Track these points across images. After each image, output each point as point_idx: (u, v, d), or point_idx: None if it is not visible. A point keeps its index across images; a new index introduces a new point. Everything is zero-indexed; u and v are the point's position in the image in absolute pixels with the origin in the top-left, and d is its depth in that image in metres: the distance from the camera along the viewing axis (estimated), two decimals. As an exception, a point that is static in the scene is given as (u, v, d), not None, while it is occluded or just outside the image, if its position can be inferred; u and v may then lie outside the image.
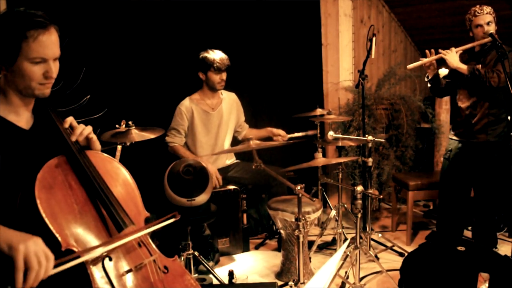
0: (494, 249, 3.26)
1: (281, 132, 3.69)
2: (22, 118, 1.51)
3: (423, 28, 5.01)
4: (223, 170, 3.59)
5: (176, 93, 3.65)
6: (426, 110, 4.36)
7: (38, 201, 1.31)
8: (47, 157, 1.44)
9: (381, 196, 4.07)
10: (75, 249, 1.32)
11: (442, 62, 3.10)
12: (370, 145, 3.06)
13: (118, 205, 1.47)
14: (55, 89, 1.53)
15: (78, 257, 1.28)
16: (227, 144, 3.62)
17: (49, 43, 1.41)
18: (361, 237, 2.80)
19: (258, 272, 3.26)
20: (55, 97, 1.56)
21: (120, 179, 1.59)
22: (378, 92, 4.50)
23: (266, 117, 4.33)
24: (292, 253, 3.05)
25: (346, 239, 3.48)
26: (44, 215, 1.31)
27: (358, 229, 2.75)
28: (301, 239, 2.35)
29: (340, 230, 3.36)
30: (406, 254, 3.18)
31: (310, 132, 3.87)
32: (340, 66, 4.53)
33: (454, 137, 3.26)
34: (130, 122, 2.82)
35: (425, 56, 3.11)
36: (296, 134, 3.76)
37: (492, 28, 2.95)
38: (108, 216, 1.44)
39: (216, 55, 3.38)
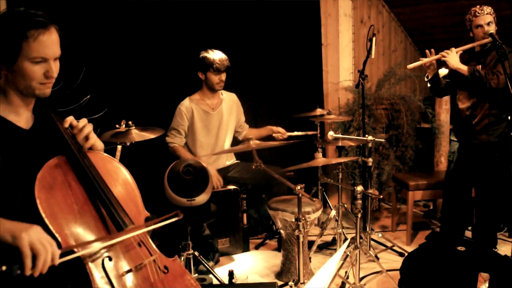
0: (494, 249, 3.26)
1: (280, 129, 3.70)
2: (22, 118, 1.51)
3: (423, 28, 5.01)
4: (223, 170, 3.59)
5: (176, 93, 3.65)
6: (426, 110, 4.36)
7: (38, 201, 1.31)
8: (47, 157, 1.44)
9: (381, 196, 4.07)
10: (74, 249, 1.31)
11: (442, 62, 3.10)
12: (370, 145, 3.06)
13: (118, 205, 1.47)
14: (55, 89, 1.53)
15: (81, 250, 1.29)
16: (227, 145, 3.62)
17: (49, 43, 1.41)
18: (361, 237, 2.80)
19: (258, 272, 3.26)
20: (55, 97, 1.56)
21: (120, 179, 1.59)
22: (378, 92, 4.50)
23: (266, 117, 4.33)
24: (292, 253, 3.05)
25: (346, 239, 3.47)
26: (44, 215, 1.31)
27: (358, 229, 2.75)
28: (301, 239, 2.35)
29: (340, 230, 3.36)
30: (406, 254, 3.18)
31: (310, 132, 3.87)
32: (340, 66, 4.53)
33: (456, 139, 3.27)
34: (130, 122, 2.82)
35: (425, 56, 3.11)
36: (296, 133, 3.77)
37: (492, 29, 2.95)
38: (108, 216, 1.44)
39: (216, 56, 3.38)
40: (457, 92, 3.26)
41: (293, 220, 2.86)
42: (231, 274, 2.74)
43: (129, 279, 1.40)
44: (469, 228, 3.63)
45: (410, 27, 5.12)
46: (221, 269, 3.23)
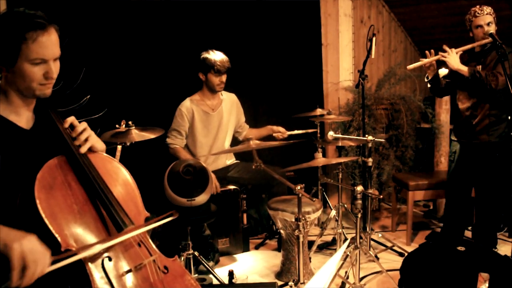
0: (494, 249, 3.26)
1: (281, 129, 3.70)
2: (23, 118, 1.51)
3: (423, 28, 5.01)
4: (223, 170, 3.59)
5: (176, 93, 3.65)
6: (426, 110, 4.36)
7: (37, 201, 1.31)
8: (47, 157, 1.44)
9: (381, 196, 4.06)
10: (74, 249, 1.31)
11: (442, 62, 3.10)
12: (370, 145, 3.06)
13: (118, 205, 1.47)
14: (55, 89, 1.53)
15: (75, 254, 1.28)
16: (227, 145, 3.62)
17: (48, 44, 1.41)
18: (361, 237, 2.80)
19: (258, 272, 3.26)
20: (55, 97, 1.56)
21: (120, 179, 1.59)
22: (378, 92, 4.50)
23: (266, 117, 4.33)
24: (292, 253, 3.05)
25: (346, 239, 3.47)
26: (43, 215, 1.31)
27: (358, 229, 2.74)
28: (301, 239, 2.35)
29: (340, 230, 3.35)
30: (406, 254, 3.18)
31: (310, 130, 3.87)
32: (340, 66, 4.53)
33: (456, 139, 3.27)
34: (130, 122, 2.82)
35: (425, 57, 3.11)
36: (296, 131, 3.76)
37: (492, 29, 2.95)
38: (108, 216, 1.44)
39: (217, 57, 3.37)
40: (457, 92, 3.26)
41: (293, 220, 2.86)
42: (231, 274, 2.74)
43: (129, 279, 1.40)
44: (469, 228, 3.63)
45: (410, 27, 5.12)
46: (221, 269, 3.23)
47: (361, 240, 2.79)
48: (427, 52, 3.11)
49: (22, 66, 1.40)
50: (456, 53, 3.01)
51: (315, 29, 4.51)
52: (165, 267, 1.50)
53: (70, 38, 1.71)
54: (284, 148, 3.68)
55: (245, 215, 3.56)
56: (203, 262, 2.93)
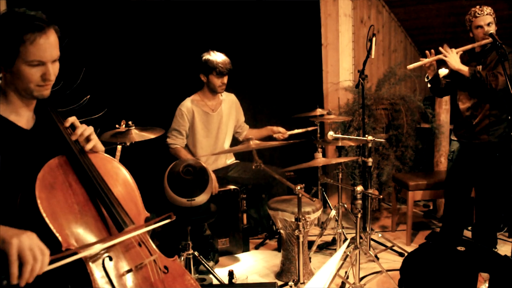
0: (494, 249, 3.26)
1: (281, 129, 3.70)
2: (23, 118, 1.51)
3: (423, 28, 5.01)
4: (223, 170, 3.59)
5: (176, 93, 3.65)
6: (426, 110, 4.36)
7: (38, 201, 1.32)
8: (48, 157, 1.44)
9: (381, 196, 4.07)
10: (75, 248, 1.31)
11: (442, 62, 3.10)
12: (370, 145, 3.06)
13: (119, 205, 1.47)
14: (55, 89, 1.53)
15: (76, 253, 1.28)
16: (227, 145, 3.62)
17: (47, 46, 1.40)
18: (361, 237, 2.80)
19: (258, 272, 3.26)
20: (55, 97, 1.56)
21: (120, 179, 1.59)
22: (378, 92, 4.50)
23: (266, 117, 4.33)
24: (292, 253, 3.05)
25: (346, 239, 3.48)
26: (44, 215, 1.31)
27: (358, 229, 2.74)
28: (301, 239, 2.35)
29: (340, 230, 3.36)
30: (406, 254, 3.18)
31: (310, 128, 3.86)
32: (340, 66, 4.53)
33: (456, 138, 3.27)
34: (130, 122, 2.82)
35: (425, 57, 3.11)
36: (296, 131, 3.76)
37: (492, 29, 2.95)
38: (109, 216, 1.44)
39: (219, 58, 3.36)
40: (457, 92, 3.26)
41: (293, 220, 2.86)
42: (231, 274, 2.74)
43: (129, 279, 1.40)
44: (469, 228, 3.63)
45: (410, 27, 5.13)
46: (221, 269, 3.23)
47: (361, 240, 2.79)
48: (427, 52, 3.11)
49: (20, 67, 1.40)
50: (457, 53, 3.02)
51: (315, 29, 4.51)
52: (165, 267, 1.50)
53: (70, 38, 1.71)
54: (284, 148, 3.68)
55: (245, 215, 3.56)
56: (203, 262, 2.93)
